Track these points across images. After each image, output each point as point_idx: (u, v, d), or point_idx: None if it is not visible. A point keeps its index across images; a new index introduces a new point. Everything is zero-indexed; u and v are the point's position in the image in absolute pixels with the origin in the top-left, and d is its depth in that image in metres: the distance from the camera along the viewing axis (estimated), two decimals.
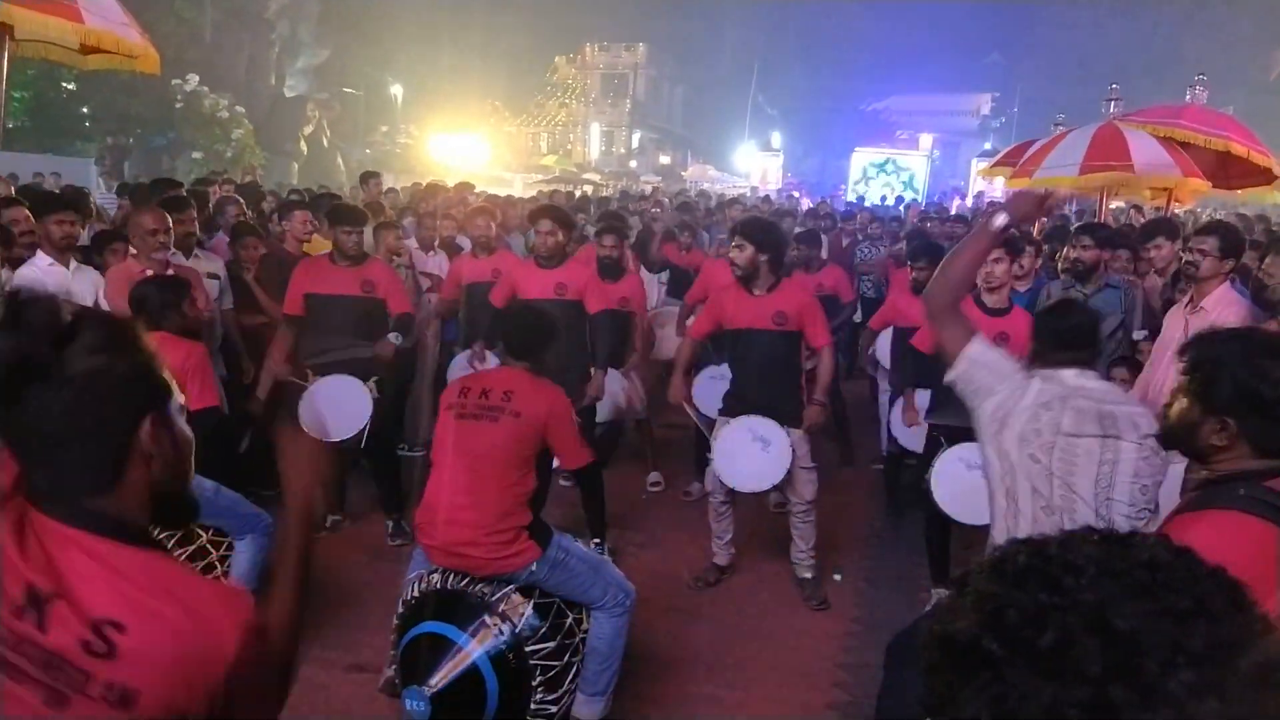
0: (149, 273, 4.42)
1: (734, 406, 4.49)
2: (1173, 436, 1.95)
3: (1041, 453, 2.44)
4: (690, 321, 5.43)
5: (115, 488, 1.20)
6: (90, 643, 1.09)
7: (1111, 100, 11.99)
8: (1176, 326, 4.08)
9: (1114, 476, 2.40)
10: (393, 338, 4.90)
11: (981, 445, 2.56)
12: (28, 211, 4.98)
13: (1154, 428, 2.29)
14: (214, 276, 5.03)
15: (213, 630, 1.16)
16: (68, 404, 1.15)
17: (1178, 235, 5.21)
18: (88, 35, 3.64)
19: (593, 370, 4.96)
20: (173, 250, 4.80)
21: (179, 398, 1.30)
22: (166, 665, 1.11)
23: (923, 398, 4.78)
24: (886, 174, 32.90)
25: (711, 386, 4.92)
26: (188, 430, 1.32)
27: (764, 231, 4.53)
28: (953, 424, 4.06)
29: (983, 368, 2.48)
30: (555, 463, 3.63)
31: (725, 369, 4.83)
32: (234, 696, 1.17)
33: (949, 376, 2.55)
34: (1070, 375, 2.54)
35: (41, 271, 4.44)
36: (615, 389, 5.36)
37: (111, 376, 1.19)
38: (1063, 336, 2.67)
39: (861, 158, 34.33)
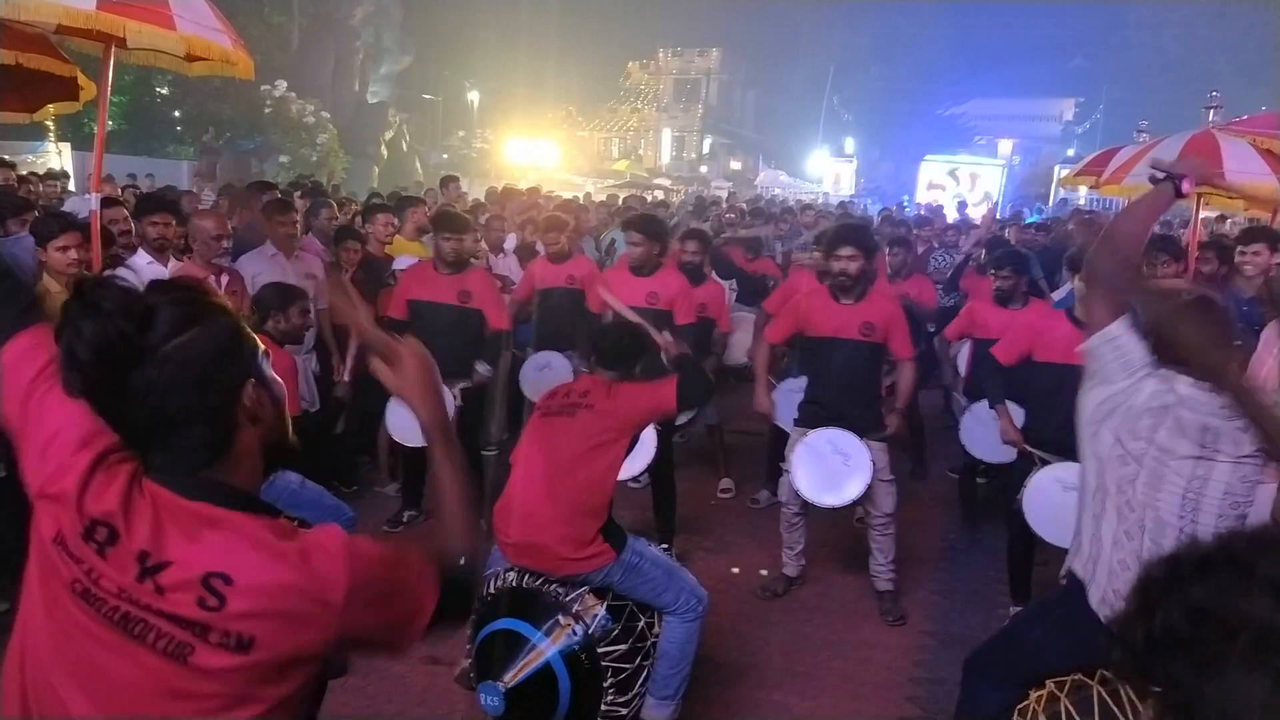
0: (210, 276, 4.54)
1: (811, 416, 4.41)
2: None
3: (1133, 457, 2.34)
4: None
5: (228, 456, 1.25)
6: (203, 598, 1.15)
7: (1211, 108, 11.49)
8: (1273, 341, 3.93)
9: (1202, 493, 2.27)
10: (482, 369, 4.97)
11: (1080, 434, 2.47)
12: (127, 213, 5.22)
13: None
14: (312, 277, 5.14)
15: (320, 580, 1.19)
16: (168, 383, 1.18)
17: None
18: (185, 42, 3.77)
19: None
20: (272, 250, 4.98)
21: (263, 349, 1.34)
22: (276, 613, 1.17)
23: (1015, 413, 4.49)
24: (956, 182, 32.05)
25: (789, 400, 4.84)
26: (278, 381, 1.35)
27: (870, 238, 4.50)
28: (1047, 439, 3.95)
29: (1116, 352, 2.35)
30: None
31: (804, 382, 4.72)
32: (361, 629, 1.24)
33: (1082, 346, 2.45)
34: (1184, 384, 2.34)
35: (141, 270, 4.56)
36: None
37: (204, 349, 1.20)
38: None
39: (930, 167, 33.50)
